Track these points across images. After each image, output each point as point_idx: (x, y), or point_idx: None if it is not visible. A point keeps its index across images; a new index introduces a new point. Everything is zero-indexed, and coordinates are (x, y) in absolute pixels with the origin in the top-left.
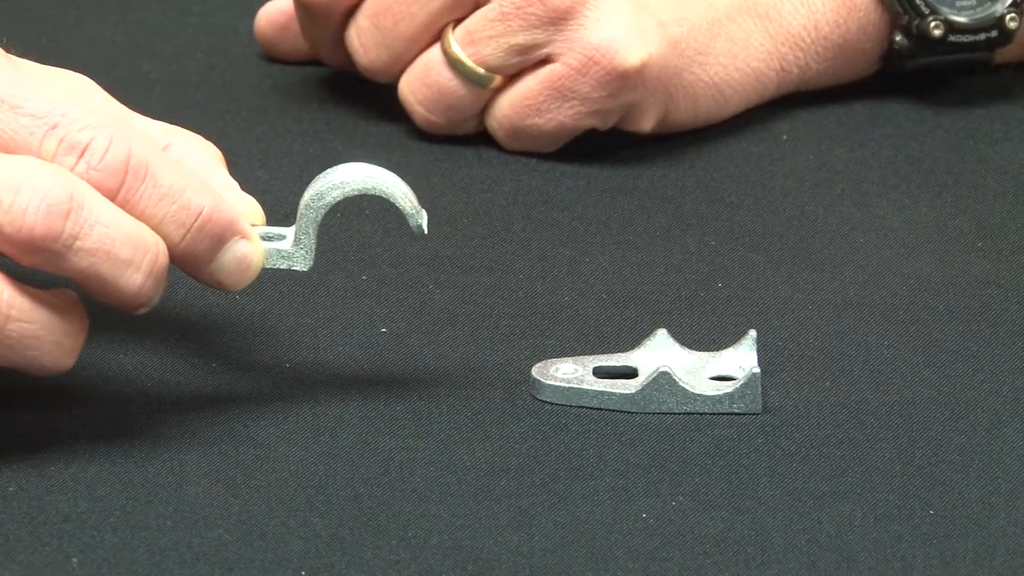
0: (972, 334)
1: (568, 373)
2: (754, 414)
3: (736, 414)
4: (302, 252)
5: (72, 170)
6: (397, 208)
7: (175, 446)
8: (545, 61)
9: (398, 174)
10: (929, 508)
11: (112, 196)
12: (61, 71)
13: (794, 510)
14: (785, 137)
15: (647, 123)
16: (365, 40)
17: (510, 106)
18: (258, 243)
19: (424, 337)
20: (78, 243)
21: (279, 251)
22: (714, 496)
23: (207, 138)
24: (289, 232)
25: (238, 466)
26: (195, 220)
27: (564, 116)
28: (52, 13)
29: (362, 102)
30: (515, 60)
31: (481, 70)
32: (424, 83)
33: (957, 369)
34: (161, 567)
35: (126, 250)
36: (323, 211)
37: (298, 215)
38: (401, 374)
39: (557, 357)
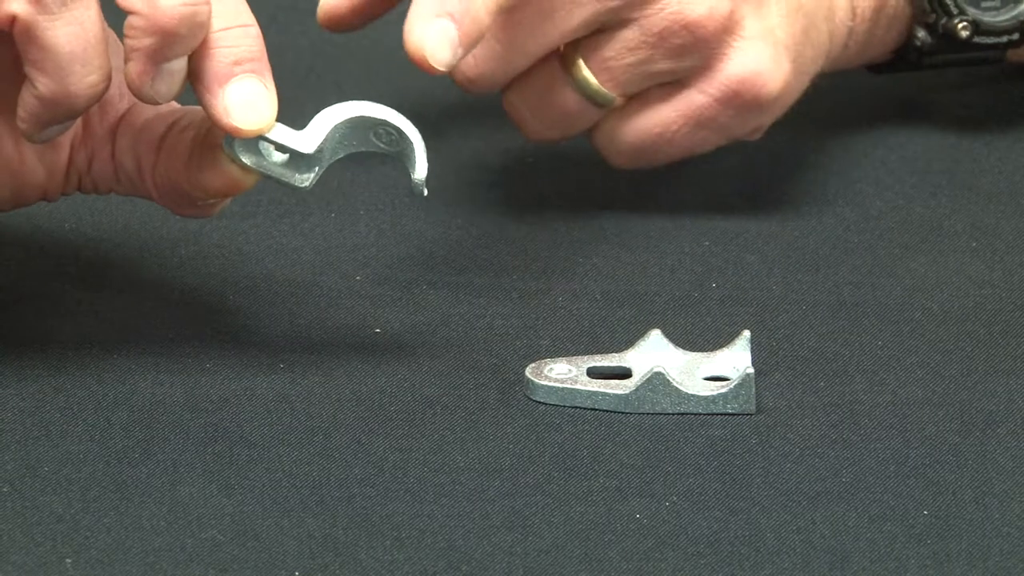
0: (966, 334)
1: (562, 373)
2: (748, 414)
3: (730, 414)
4: (310, 162)
5: None
6: (409, 160)
7: (169, 447)
8: (676, 83)
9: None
10: (923, 508)
11: None
12: None
13: (788, 510)
14: (780, 137)
15: (758, 135)
16: (483, 54)
17: (641, 132)
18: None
19: (418, 337)
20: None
21: (291, 133)
22: (708, 496)
23: None
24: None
25: (232, 466)
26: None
27: (694, 143)
28: None
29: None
30: (648, 83)
31: (609, 93)
32: (542, 98)
33: (951, 369)
34: (155, 568)
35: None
36: (346, 117)
37: (316, 122)
38: (395, 374)
39: (551, 357)
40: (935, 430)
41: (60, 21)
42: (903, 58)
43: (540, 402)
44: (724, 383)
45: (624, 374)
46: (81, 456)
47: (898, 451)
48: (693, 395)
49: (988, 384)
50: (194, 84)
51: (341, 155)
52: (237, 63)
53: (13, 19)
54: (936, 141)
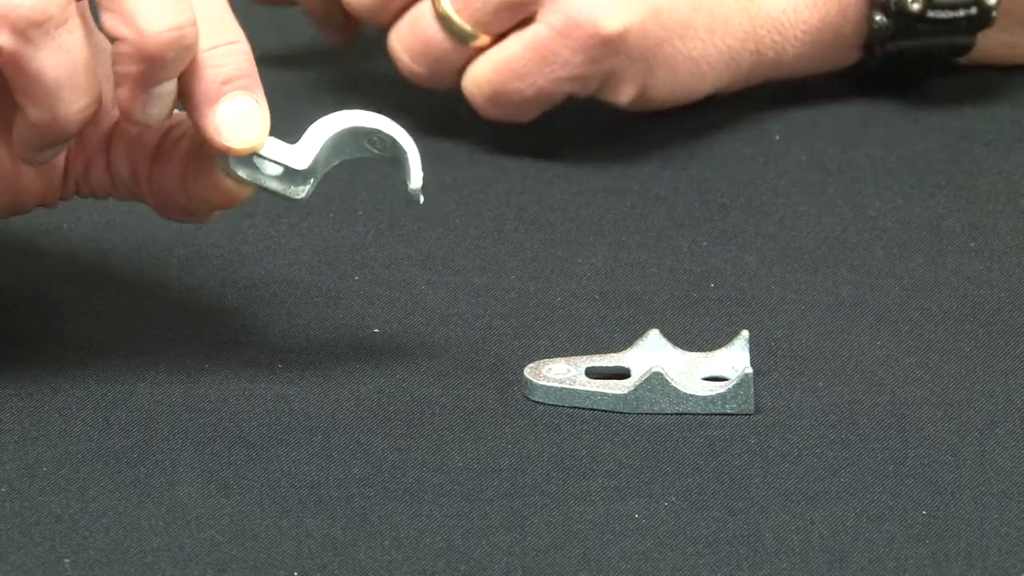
0: (965, 334)
1: (561, 373)
2: (746, 414)
3: (729, 414)
4: (305, 175)
5: None
6: (404, 166)
7: (167, 447)
8: (529, 20)
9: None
10: (922, 508)
11: None
12: None
13: (786, 510)
14: (778, 137)
15: (625, 94)
16: None
17: (492, 69)
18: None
19: (416, 338)
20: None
21: (284, 148)
22: (706, 496)
23: None
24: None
25: (230, 467)
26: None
27: (545, 81)
28: None
29: (355, 103)
30: (502, 16)
31: (467, 26)
32: (412, 33)
33: (950, 369)
34: (153, 568)
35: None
36: (339, 129)
37: (309, 136)
38: (393, 375)
39: (550, 357)
40: (934, 430)
41: (45, 50)
42: (870, 51)
43: (539, 402)
44: (723, 383)
45: (623, 374)
46: (80, 456)
47: (897, 451)
48: (692, 395)
49: (987, 384)
50: (184, 103)
51: (336, 162)
52: (226, 82)
53: None
54: (935, 141)
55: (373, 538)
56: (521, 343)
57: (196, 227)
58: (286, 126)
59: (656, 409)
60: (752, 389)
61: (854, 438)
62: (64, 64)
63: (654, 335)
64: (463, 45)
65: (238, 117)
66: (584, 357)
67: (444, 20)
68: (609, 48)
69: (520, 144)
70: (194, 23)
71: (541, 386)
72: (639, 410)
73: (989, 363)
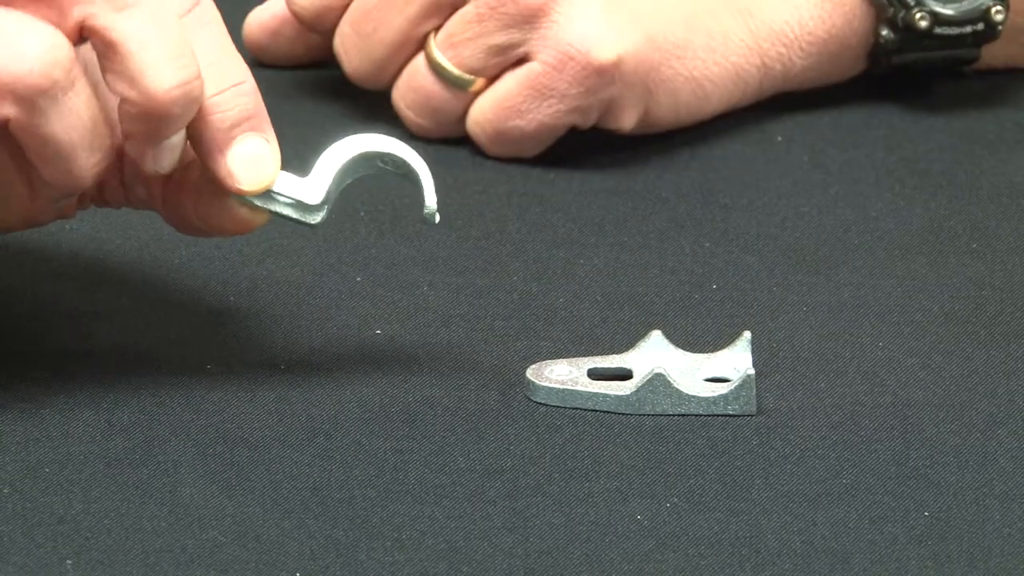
0: (966, 335)
1: (563, 375)
2: (749, 416)
3: (731, 416)
4: (318, 203)
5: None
6: (417, 185)
7: (170, 448)
8: (523, 61)
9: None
10: (924, 510)
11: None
12: None
13: (789, 512)
14: (779, 139)
15: (628, 120)
16: (348, 46)
17: (491, 108)
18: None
19: (418, 339)
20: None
21: (297, 181)
22: (709, 498)
23: None
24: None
25: (233, 468)
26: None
27: (544, 115)
28: None
29: (356, 106)
30: (494, 61)
31: (461, 73)
32: (411, 88)
33: (952, 371)
34: (155, 569)
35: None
36: (349, 157)
37: (321, 167)
38: (396, 376)
39: (552, 359)
40: (936, 431)
41: (55, 115)
42: (876, 62)
43: (541, 403)
44: (725, 384)
45: (625, 375)
46: (82, 457)
47: (899, 452)
48: (694, 396)
49: (989, 385)
50: (194, 147)
51: (350, 181)
52: (235, 125)
53: (7, 120)
54: (936, 143)
55: (375, 539)
56: (523, 344)
57: None
58: (287, 128)
59: (658, 410)
60: (754, 390)
61: (856, 439)
62: (74, 126)
63: (656, 336)
64: (461, 92)
65: (249, 159)
66: (586, 358)
67: (438, 70)
68: (605, 78)
69: None
70: (199, 75)
71: (543, 387)
72: (641, 411)
73: (991, 364)
